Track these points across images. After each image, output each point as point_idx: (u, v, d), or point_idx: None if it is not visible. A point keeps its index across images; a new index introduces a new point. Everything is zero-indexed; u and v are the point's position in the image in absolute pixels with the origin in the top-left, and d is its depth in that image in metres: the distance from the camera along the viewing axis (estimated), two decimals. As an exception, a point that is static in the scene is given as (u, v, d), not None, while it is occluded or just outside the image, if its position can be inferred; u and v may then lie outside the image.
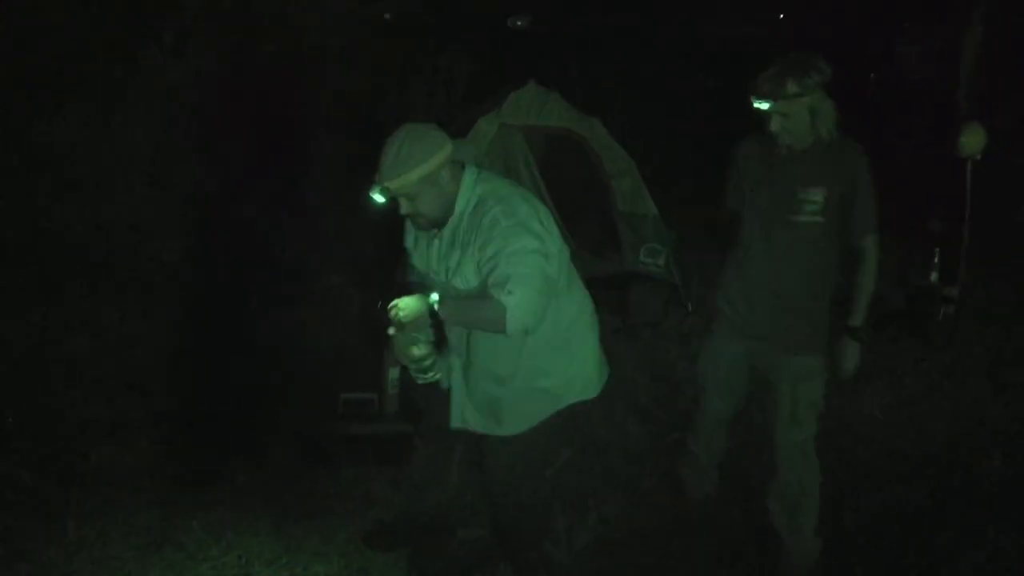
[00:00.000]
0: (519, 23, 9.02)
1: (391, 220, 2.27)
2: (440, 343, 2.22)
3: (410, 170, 1.97)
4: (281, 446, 3.02)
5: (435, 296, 2.07)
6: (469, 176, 2.09)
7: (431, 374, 2.17)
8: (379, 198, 2.01)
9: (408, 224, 2.26)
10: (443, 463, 2.54)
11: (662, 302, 4.81)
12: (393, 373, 2.95)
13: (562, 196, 5.33)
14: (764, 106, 2.29)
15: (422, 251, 2.22)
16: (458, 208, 2.08)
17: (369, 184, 2.03)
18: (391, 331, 2.07)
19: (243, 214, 5.34)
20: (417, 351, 2.10)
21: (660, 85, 7.01)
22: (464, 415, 2.26)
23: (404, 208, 2.06)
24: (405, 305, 2.04)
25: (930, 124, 4.65)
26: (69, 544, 2.43)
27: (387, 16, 7.97)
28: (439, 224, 2.11)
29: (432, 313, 2.07)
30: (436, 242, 2.14)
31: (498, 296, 1.96)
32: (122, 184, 5.32)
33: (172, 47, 6.14)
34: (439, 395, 2.29)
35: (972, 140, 3.91)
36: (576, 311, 2.26)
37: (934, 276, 4.27)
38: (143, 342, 3.64)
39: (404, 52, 7.50)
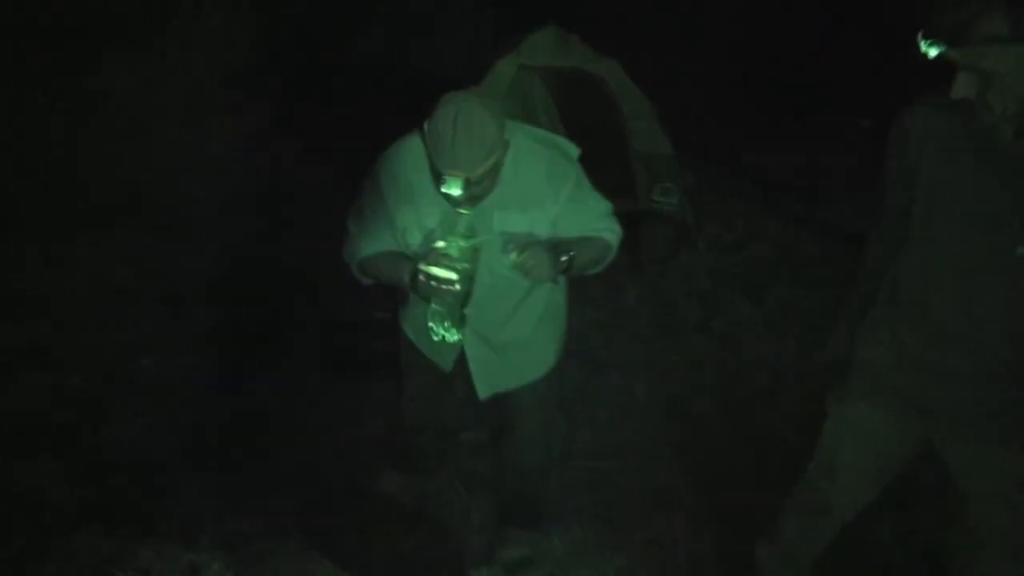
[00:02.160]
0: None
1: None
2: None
3: (493, 153, 1.75)
4: (309, 365, 3.29)
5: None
6: (509, 135, 1.83)
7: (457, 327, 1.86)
8: (458, 191, 1.72)
9: (392, 201, 1.94)
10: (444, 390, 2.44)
11: (672, 240, 4.96)
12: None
13: (579, 135, 5.48)
14: (934, 52, 1.41)
15: (430, 227, 1.92)
16: (506, 172, 1.85)
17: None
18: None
19: (275, 157, 5.62)
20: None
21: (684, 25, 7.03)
22: (494, 383, 2.18)
23: (469, 192, 1.76)
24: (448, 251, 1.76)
25: None
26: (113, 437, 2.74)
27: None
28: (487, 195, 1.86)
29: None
30: (466, 214, 1.82)
31: (600, 235, 1.99)
32: (160, 129, 5.60)
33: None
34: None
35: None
36: None
37: None
38: (181, 271, 3.93)
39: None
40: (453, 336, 1.87)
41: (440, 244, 1.79)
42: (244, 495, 2.53)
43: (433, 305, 1.84)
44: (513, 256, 1.85)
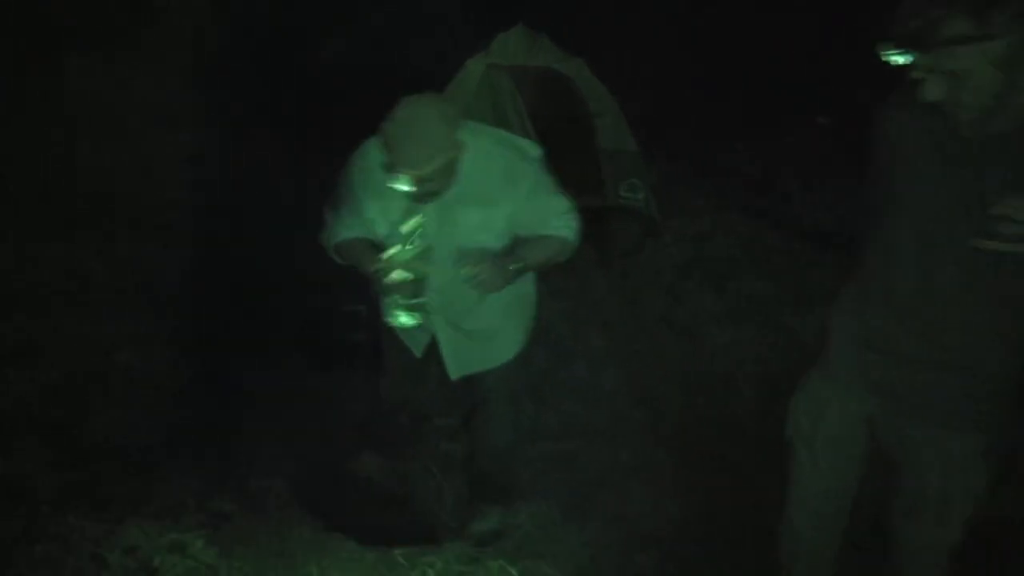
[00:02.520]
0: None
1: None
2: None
3: (441, 154, 1.87)
4: (288, 356, 3.39)
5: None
6: (467, 136, 1.97)
7: (415, 313, 2.04)
8: (407, 188, 1.86)
9: (361, 193, 2.09)
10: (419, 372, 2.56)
11: (638, 234, 5.12)
12: None
13: (548, 133, 5.61)
14: (901, 60, 1.43)
15: (395, 219, 2.04)
16: (464, 170, 1.98)
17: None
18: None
19: (251, 155, 5.69)
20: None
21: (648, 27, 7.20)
22: (464, 365, 2.30)
23: (421, 189, 1.90)
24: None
25: None
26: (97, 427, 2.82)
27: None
28: (444, 192, 1.99)
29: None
30: (430, 208, 2.00)
31: (556, 232, 2.11)
32: (131, 128, 5.63)
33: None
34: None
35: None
36: None
37: None
38: (154, 268, 4.01)
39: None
40: (410, 322, 2.06)
41: (390, 252, 1.98)
42: (227, 477, 2.63)
43: (390, 298, 2.03)
44: (465, 271, 2.00)
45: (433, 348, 2.36)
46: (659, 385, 3.49)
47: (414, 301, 2.04)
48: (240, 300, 3.72)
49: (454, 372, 2.34)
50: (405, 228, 1.99)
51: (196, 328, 3.47)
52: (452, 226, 2.05)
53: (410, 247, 1.98)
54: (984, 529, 1.79)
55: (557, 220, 2.15)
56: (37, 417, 2.83)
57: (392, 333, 2.37)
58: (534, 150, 2.17)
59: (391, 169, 1.88)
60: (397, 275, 1.97)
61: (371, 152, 2.07)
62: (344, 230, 2.19)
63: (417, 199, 1.97)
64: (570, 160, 5.67)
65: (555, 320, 4.00)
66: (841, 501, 1.93)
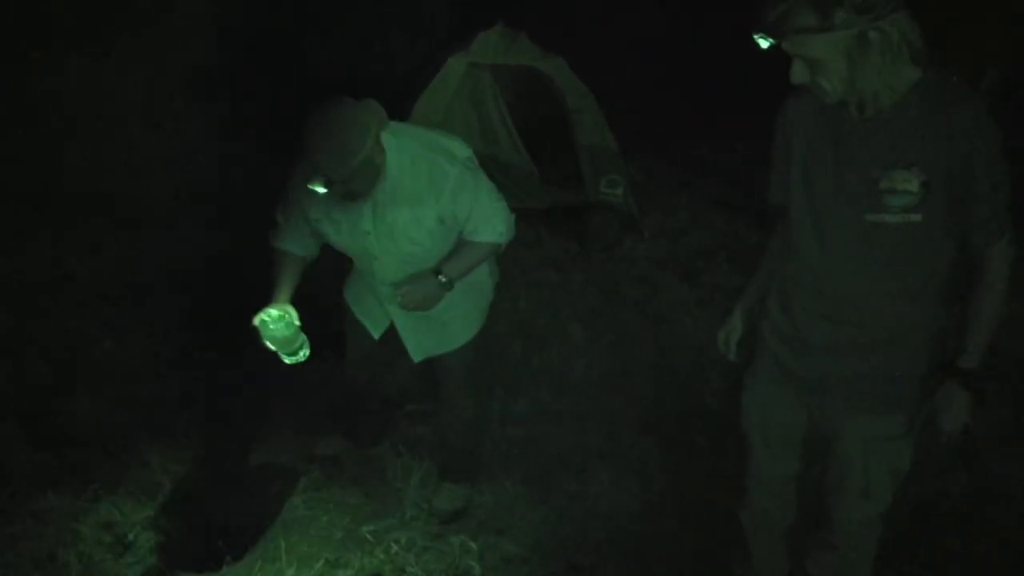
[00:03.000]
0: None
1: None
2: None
3: (352, 158, 1.92)
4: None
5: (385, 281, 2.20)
6: (392, 138, 2.07)
7: (301, 353, 2.23)
8: (322, 189, 1.95)
9: (304, 197, 2.13)
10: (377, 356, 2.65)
11: (617, 229, 5.20)
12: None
13: (528, 130, 5.72)
14: (764, 44, 1.55)
15: (337, 219, 2.16)
16: (391, 171, 2.06)
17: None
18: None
19: (232, 154, 5.78)
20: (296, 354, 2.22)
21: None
22: (423, 348, 2.41)
23: (338, 190, 1.99)
24: (274, 320, 2.12)
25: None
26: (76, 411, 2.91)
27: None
28: (369, 192, 2.08)
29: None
30: (366, 207, 2.10)
31: (484, 238, 2.20)
32: (119, 127, 5.73)
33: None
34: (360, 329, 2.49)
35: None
36: None
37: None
38: (138, 264, 4.10)
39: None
40: (296, 360, 2.25)
41: (257, 319, 2.15)
42: (200, 460, 2.72)
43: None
44: (398, 298, 2.18)
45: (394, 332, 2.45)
46: (630, 372, 3.57)
47: (290, 356, 2.22)
48: (216, 292, 3.81)
49: (416, 355, 2.43)
50: (263, 317, 2.15)
51: (173, 319, 3.55)
52: (387, 225, 2.14)
53: (275, 327, 2.14)
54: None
55: (484, 226, 2.21)
56: (18, 402, 2.92)
57: (353, 318, 2.46)
58: (461, 151, 2.20)
59: (311, 173, 1.95)
60: (268, 342, 2.17)
61: None
62: (290, 230, 2.26)
63: (344, 198, 2.06)
64: (551, 156, 5.81)
65: (532, 310, 4.10)
66: (795, 482, 2.02)
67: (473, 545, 2.46)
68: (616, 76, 6.45)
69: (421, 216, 2.13)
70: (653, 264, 4.84)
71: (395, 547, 2.44)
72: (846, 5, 1.46)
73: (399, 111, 4.99)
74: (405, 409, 3.10)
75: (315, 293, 3.48)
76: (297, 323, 2.19)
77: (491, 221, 2.22)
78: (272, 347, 2.18)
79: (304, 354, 2.24)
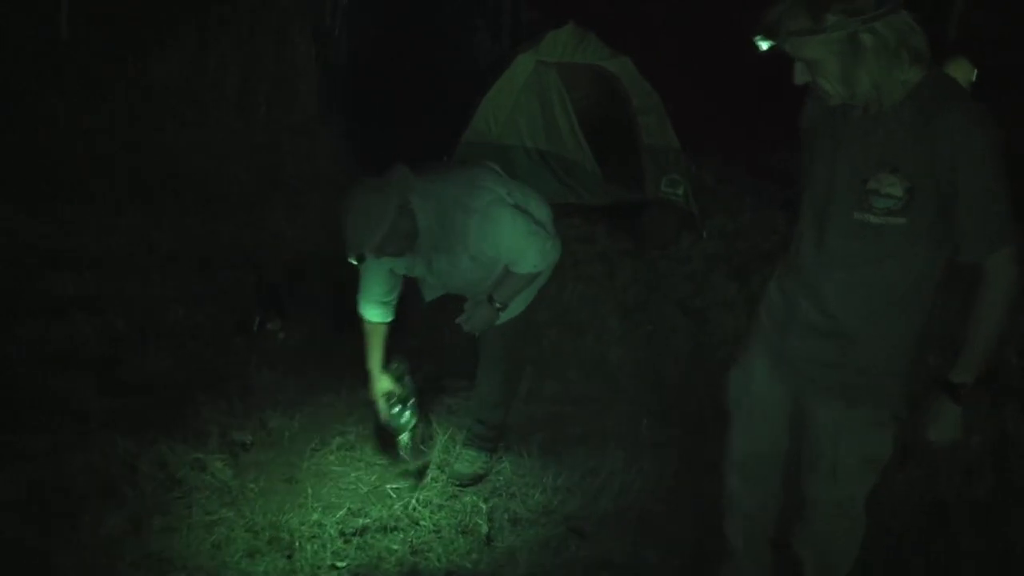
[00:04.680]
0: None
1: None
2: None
3: (373, 236, 2.19)
4: (313, 322, 3.75)
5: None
6: (420, 200, 2.31)
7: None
8: (355, 262, 2.24)
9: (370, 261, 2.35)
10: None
11: (673, 229, 5.26)
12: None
13: (592, 128, 5.84)
14: (764, 46, 1.59)
15: (400, 269, 2.52)
16: (422, 228, 2.33)
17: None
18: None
19: (316, 146, 6.17)
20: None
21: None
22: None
23: (379, 255, 2.28)
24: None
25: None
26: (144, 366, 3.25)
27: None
28: (410, 249, 2.37)
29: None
30: (417, 258, 2.44)
31: (521, 271, 2.43)
32: (213, 114, 6.18)
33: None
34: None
35: (958, 74, 4.15)
36: None
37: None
38: (214, 239, 4.47)
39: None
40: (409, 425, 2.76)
41: (384, 411, 2.70)
42: (249, 414, 2.99)
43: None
44: (460, 319, 2.54)
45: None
46: (662, 363, 3.66)
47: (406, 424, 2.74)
48: (281, 272, 4.12)
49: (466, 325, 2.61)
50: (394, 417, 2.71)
51: (237, 291, 3.87)
52: (435, 269, 2.48)
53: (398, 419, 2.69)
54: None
55: (519, 260, 2.42)
56: (95, 354, 3.28)
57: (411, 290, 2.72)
58: (479, 200, 2.37)
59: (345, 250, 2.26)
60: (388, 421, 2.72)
61: None
62: (370, 284, 2.56)
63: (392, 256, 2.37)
64: (614, 155, 5.90)
65: (575, 301, 4.23)
66: (773, 466, 2.02)
67: (484, 506, 2.62)
68: (692, 78, 6.49)
69: (456, 261, 2.42)
70: (704, 262, 4.89)
71: (413, 503, 2.63)
72: (837, 7, 1.50)
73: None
74: (440, 383, 3.29)
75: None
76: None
77: (524, 255, 2.42)
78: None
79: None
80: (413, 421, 2.75)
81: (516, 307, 2.62)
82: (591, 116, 5.88)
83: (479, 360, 2.76)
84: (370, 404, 2.77)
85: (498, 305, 2.48)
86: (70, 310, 3.55)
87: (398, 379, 2.71)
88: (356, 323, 2.63)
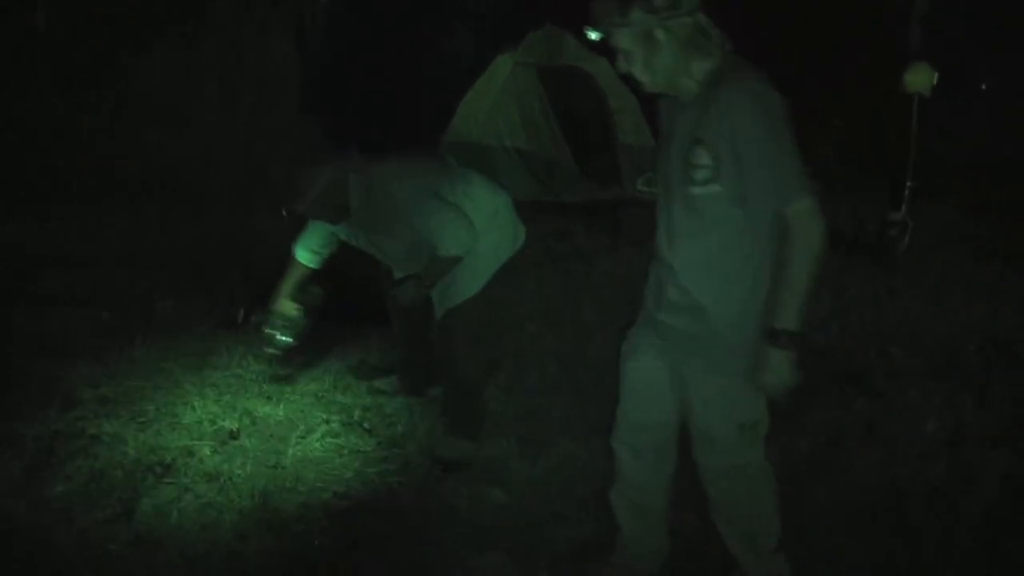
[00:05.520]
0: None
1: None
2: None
3: (304, 197, 2.64)
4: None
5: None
6: (352, 179, 2.67)
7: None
8: (285, 214, 2.73)
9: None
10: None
11: (648, 226, 5.40)
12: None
13: (570, 127, 5.99)
14: (593, 36, 1.82)
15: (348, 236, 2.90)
16: (353, 205, 2.67)
17: None
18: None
19: (299, 147, 6.23)
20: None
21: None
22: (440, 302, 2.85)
23: (311, 217, 2.77)
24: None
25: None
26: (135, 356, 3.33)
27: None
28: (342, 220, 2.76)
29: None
30: (357, 231, 2.83)
31: (441, 253, 2.64)
32: (196, 118, 6.25)
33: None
34: None
35: (918, 78, 4.34)
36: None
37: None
38: (202, 238, 4.56)
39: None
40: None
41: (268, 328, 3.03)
42: (235, 404, 3.09)
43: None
44: (391, 291, 2.80)
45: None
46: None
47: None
48: (269, 267, 4.20)
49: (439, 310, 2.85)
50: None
51: (225, 286, 3.96)
52: (375, 241, 2.83)
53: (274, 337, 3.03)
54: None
55: (434, 242, 2.64)
56: (88, 346, 3.36)
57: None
58: (401, 187, 2.65)
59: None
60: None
61: None
62: (311, 234, 2.95)
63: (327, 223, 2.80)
64: (592, 153, 6.06)
65: (554, 295, 4.36)
66: (659, 439, 2.09)
67: (465, 490, 2.73)
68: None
69: (387, 238, 2.75)
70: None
71: (397, 487, 2.74)
72: (638, 5, 1.73)
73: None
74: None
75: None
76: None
77: (439, 238, 2.62)
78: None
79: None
80: (290, 342, 3.05)
81: (461, 290, 2.76)
82: (569, 115, 6.03)
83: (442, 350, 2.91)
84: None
85: (426, 283, 2.69)
86: (62, 305, 3.64)
87: (299, 308, 3.03)
88: (341, 316, 2.73)
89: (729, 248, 1.82)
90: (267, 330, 3.05)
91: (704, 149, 1.76)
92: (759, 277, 1.83)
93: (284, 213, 2.66)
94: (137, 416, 2.90)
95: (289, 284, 3.03)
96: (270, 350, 3.08)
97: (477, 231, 2.68)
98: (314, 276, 3.07)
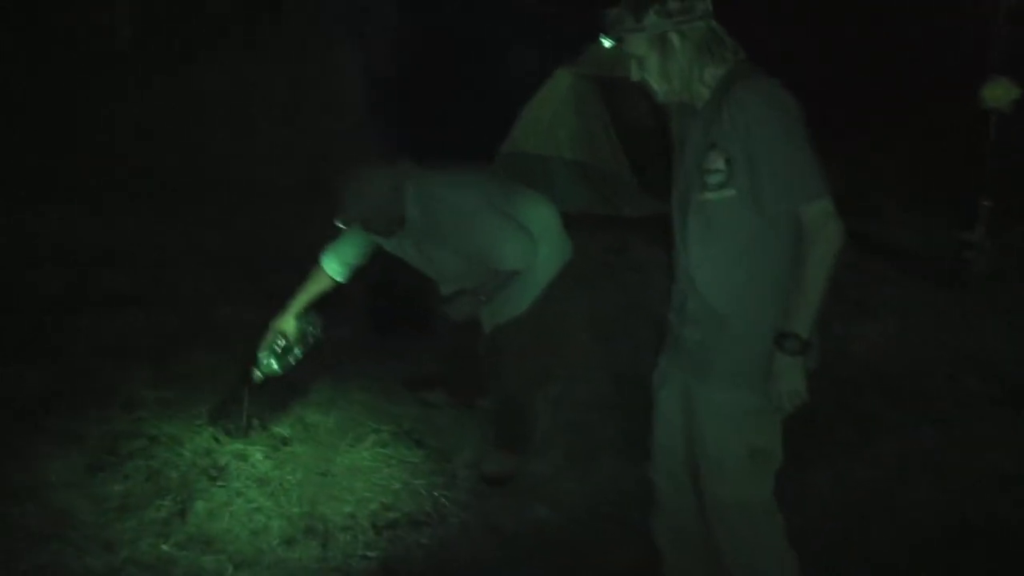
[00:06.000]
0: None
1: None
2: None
3: (359, 207, 2.52)
4: (356, 322, 3.88)
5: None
6: (409, 189, 2.55)
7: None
8: (341, 226, 2.60)
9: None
10: None
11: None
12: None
13: (630, 140, 5.93)
14: (607, 44, 1.82)
15: (394, 247, 2.77)
16: (409, 216, 2.56)
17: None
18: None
19: (362, 154, 6.32)
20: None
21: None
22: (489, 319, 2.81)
23: (364, 228, 2.62)
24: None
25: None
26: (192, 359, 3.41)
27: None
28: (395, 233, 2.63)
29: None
30: (405, 242, 2.70)
31: (501, 267, 2.58)
32: (258, 120, 6.42)
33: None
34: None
35: (997, 93, 4.16)
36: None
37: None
38: (261, 241, 4.65)
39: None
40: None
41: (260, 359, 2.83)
42: (287, 411, 3.13)
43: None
44: (444, 307, 2.69)
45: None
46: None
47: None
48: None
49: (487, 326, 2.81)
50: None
51: (283, 292, 4.01)
52: (426, 253, 2.70)
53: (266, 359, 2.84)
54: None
55: (495, 257, 2.57)
56: (147, 348, 3.46)
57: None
58: (463, 200, 2.58)
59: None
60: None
61: None
62: (345, 244, 2.80)
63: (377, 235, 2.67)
64: (650, 167, 5.98)
65: (607, 309, 4.31)
66: (681, 463, 1.99)
67: (510, 506, 2.71)
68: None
69: (441, 251, 2.63)
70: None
71: (442, 500, 2.73)
72: (653, 10, 1.71)
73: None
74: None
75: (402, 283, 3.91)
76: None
77: (500, 252, 2.56)
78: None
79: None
80: (275, 370, 2.85)
81: (512, 306, 2.72)
82: (629, 128, 5.97)
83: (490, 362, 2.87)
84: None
85: (482, 297, 2.61)
86: (124, 306, 3.75)
87: (302, 331, 2.86)
88: (390, 326, 2.72)
89: (746, 254, 1.77)
90: (259, 352, 2.82)
91: (717, 153, 1.72)
92: (777, 284, 1.76)
93: (337, 223, 2.52)
94: (194, 419, 2.96)
95: (304, 298, 2.83)
96: (256, 373, 2.86)
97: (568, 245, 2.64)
98: (323, 300, 2.91)
